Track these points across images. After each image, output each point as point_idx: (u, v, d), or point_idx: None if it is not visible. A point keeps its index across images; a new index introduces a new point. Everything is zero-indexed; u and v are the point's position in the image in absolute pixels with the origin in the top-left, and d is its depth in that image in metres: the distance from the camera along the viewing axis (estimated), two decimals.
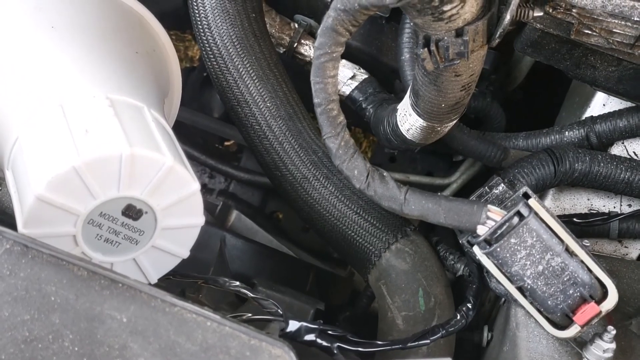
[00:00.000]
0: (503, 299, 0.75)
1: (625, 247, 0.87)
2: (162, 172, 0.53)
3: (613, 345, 0.61)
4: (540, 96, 1.10)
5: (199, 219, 0.57)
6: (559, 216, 0.81)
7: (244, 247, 0.90)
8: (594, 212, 0.85)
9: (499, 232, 0.56)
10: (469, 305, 0.67)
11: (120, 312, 0.45)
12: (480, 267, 0.70)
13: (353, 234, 0.77)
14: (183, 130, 1.21)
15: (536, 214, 0.56)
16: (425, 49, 0.59)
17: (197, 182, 0.56)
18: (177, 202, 0.55)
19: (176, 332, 0.45)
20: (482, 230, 0.57)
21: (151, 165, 0.52)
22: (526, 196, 0.59)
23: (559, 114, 1.02)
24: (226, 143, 1.32)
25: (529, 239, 0.55)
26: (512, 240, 0.55)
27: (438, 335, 0.67)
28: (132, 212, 0.53)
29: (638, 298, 0.72)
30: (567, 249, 0.57)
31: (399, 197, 0.60)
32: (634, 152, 0.86)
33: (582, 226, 0.80)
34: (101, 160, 0.51)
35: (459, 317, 0.67)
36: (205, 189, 1.21)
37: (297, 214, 0.82)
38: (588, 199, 0.86)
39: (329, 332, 0.63)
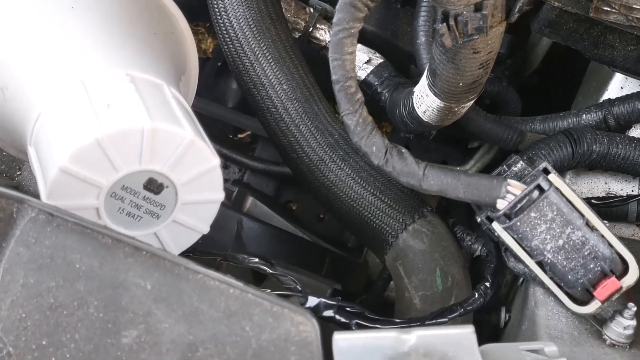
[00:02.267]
0: (521, 281, 0.75)
1: None
2: (182, 146, 0.53)
3: (634, 322, 0.60)
4: (557, 81, 1.10)
5: (219, 194, 0.58)
6: None
7: (261, 230, 0.90)
8: (612, 195, 0.84)
9: (519, 206, 0.56)
10: (487, 284, 0.67)
11: (144, 279, 0.45)
12: (498, 246, 0.70)
13: (370, 215, 0.77)
14: (198, 120, 1.22)
15: (556, 188, 0.56)
16: (444, 24, 0.59)
17: (217, 157, 0.57)
18: (198, 176, 0.55)
19: (199, 299, 0.45)
20: (501, 205, 0.57)
21: (172, 139, 0.53)
22: (546, 171, 0.59)
23: (576, 98, 1.01)
24: (240, 135, 1.33)
25: (549, 213, 0.55)
26: (533, 214, 0.55)
27: (456, 313, 0.67)
28: (153, 186, 0.54)
29: None
30: (588, 224, 0.56)
31: (417, 173, 0.60)
32: None
33: (600, 208, 0.80)
34: (123, 133, 0.51)
35: (477, 296, 0.67)
36: (227, 185, 1.22)
37: (313, 197, 0.82)
38: (605, 183, 0.86)
39: (347, 308, 0.63)
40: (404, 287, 0.75)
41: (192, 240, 0.59)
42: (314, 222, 1.16)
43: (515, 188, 0.57)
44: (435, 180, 0.59)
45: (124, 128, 0.51)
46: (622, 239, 0.82)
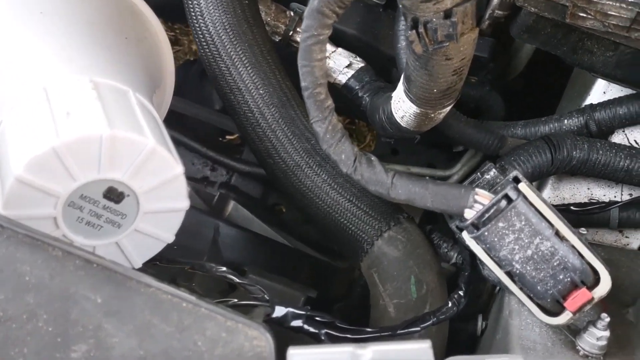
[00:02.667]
0: (498, 288, 0.74)
1: (627, 237, 0.85)
2: (143, 154, 0.52)
3: (607, 333, 0.59)
4: (542, 85, 1.09)
5: (183, 203, 0.57)
6: (558, 205, 0.80)
7: (238, 236, 0.89)
8: (594, 201, 0.83)
9: (487, 215, 0.55)
10: (461, 293, 0.66)
11: (95, 292, 0.44)
12: (473, 254, 0.69)
13: (345, 221, 0.76)
14: (185, 123, 1.21)
15: (525, 197, 0.55)
16: (414, 31, 0.58)
17: (180, 165, 0.56)
18: (160, 185, 0.54)
19: (151, 313, 0.44)
20: (469, 214, 0.56)
21: (132, 147, 0.52)
22: (516, 180, 0.58)
23: (560, 103, 1.00)
24: (228, 137, 1.32)
25: (517, 223, 0.54)
26: (500, 224, 0.54)
27: (429, 322, 0.66)
28: (113, 194, 0.53)
29: (636, 287, 0.70)
30: (557, 234, 0.55)
31: (386, 182, 0.59)
32: (635, 141, 0.84)
33: (580, 214, 0.79)
34: (81, 142, 0.50)
35: (450, 305, 0.66)
36: (207, 182, 1.21)
37: (290, 202, 0.81)
38: (588, 189, 0.85)
39: (317, 318, 0.62)
40: (379, 294, 0.74)
41: (156, 249, 0.58)
42: (302, 225, 1.15)
43: (483, 197, 0.56)
44: (403, 189, 0.58)
45: (81, 136, 0.50)
46: (603, 247, 0.82)
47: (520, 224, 0.54)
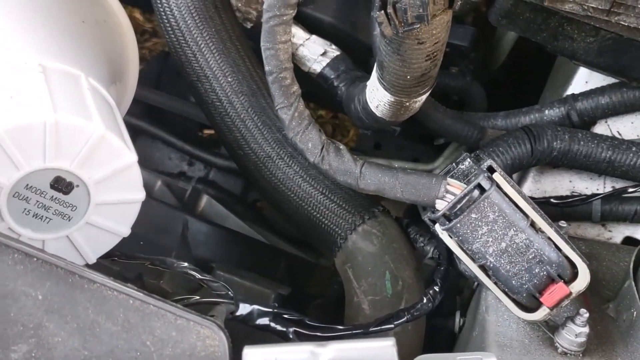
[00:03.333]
0: (476, 284, 0.71)
1: (609, 231, 0.83)
2: (91, 142, 0.49)
3: (586, 330, 0.57)
4: (526, 75, 1.07)
5: (138, 194, 0.53)
6: (539, 199, 0.77)
7: (209, 232, 0.86)
8: (576, 194, 0.81)
9: (459, 206, 0.52)
10: (436, 288, 0.64)
11: (35, 288, 0.41)
12: (449, 249, 0.66)
13: (318, 215, 0.73)
14: (161, 117, 1.18)
15: (499, 187, 0.52)
16: (382, 12, 0.55)
17: (133, 153, 0.52)
18: (112, 175, 0.51)
19: (95, 311, 0.41)
20: (440, 205, 0.53)
21: (79, 134, 0.48)
22: (491, 170, 0.55)
23: (543, 93, 0.98)
24: (206, 132, 1.29)
25: (490, 214, 0.51)
26: (473, 215, 0.51)
27: (403, 319, 0.63)
28: (61, 185, 0.50)
29: (617, 281, 0.68)
30: (533, 225, 0.53)
31: (354, 171, 0.56)
32: (618, 132, 0.82)
33: (561, 207, 0.76)
34: (23, 128, 0.47)
35: (425, 301, 0.64)
36: (184, 177, 1.18)
37: (261, 196, 0.78)
38: (570, 181, 0.82)
39: (285, 316, 0.59)
40: (353, 291, 0.71)
41: (111, 244, 0.55)
42: (282, 222, 1.12)
43: (455, 187, 0.53)
44: (373, 179, 0.56)
45: (23, 122, 0.47)
46: (584, 240, 0.79)
47: (493, 215, 0.51)
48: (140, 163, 0.52)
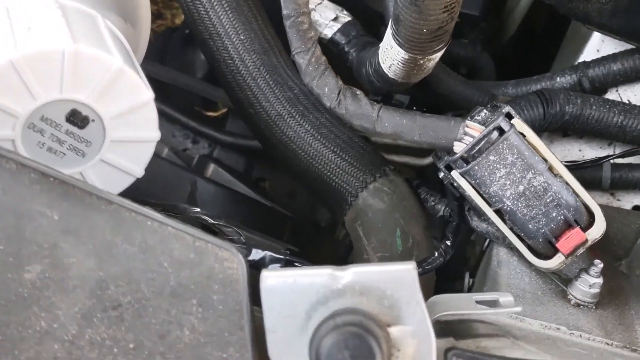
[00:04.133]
0: (486, 244, 0.71)
1: (618, 199, 0.83)
2: (110, 75, 0.48)
3: (600, 280, 0.56)
4: (535, 50, 1.06)
5: (153, 133, 0.53)
6: None
7: (217, 192, 0.85)
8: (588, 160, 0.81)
9: (477, 148, 0.52)
10: (448, 243, 0.63)
11: (51, 208, 0.40)
12: (461, 205, 0.66)
13: (329, 173, 0.73)
14: (166, 93, 1.17)
15: (518, 130, 0.52)
16: None
17: (150, 91, 0.52)
18: (128, 111, 0.51)
19: (112, 232, 0.40)
20: (459, 148, 0.52)
21: (98, 65, 0.48)
22: (509, 116, 0.55)
23: (553, 64, 0.98)
24: (211, 113, 1.28)
25: (509, 156, 0.51)
26: (491, 158, 0.51)
27: None
28: (77, 118, 0.49)
29: (628, 241, 0.68)
30: (551, 169, 0.52)
31: (371, 115, 0.56)
32: (629, 100, 0.82)
33: (572, 170, 0.76)
34: (41, 55, 0.46)
35: (436, 255, 0.63)
36: (189, 151, 1.17)
37: (270, 155, 0.77)
38: (580, 150, 0.82)
39: (296, 263, 0.59)
40: (363, 248, 0.71)
41: (124, 184, 0.54)
42: (286, 201, 1.11)
43: (474, 129, 0.52)
44: (390, 121, 0.55)
45: (42, 49, 0.46)
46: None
47: (512, 157, 0.51)
48: None
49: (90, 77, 0.48)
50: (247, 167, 1.15)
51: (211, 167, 1.01)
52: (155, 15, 1.62)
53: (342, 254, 0.87)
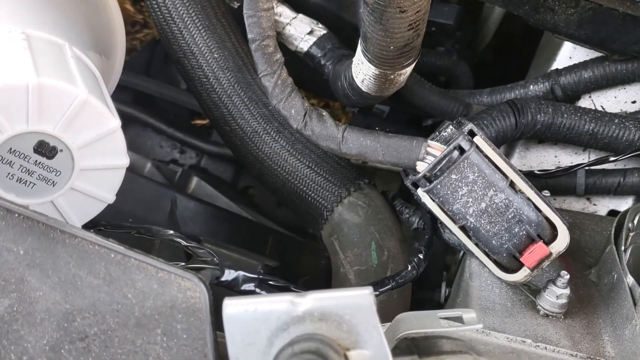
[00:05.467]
0: (461, 255, 0.72)
1: (594, 204, 0.84)
2: (75, 105, 0.49)
3: (567, 291, 0.57)
4: (510, 58, 1.07)
5: (122, 160, 0.54)
6: (524, 172, 0.78)
7: (197, 209, 0.86)
8: (561, 168, 0.82)
9: (439, 167, 0.53)
10: (420, 256, 0.64)
11: (16, 244, 0.41)
12: (433, 217, 0.67)
13: (305, 188, 0.74)
14: (152, 105, 1.18)
15: (478, 148, 0.53)
16: None
17: (117, 118, 0.53)
18: (95, 139, 0.51)
19: (77, 265, 0.41)
20: (421, 167, 0.54)
21: (62, 97, 0.49)
22: (471, 134, 0.56)
23: (528, 72, 0.99)
24: (198, 122, 1.29)
25: (470, 175, 0.52)
26: (453, 176, 0.52)
27: (387, 287, 0.63)
28: (45, 149, 0.50)
29: (599, 249, 0.69)
30: (512, 186, 0.53)
31: (337, 136, 0.57)
32: (601, 106, 0.83)
33: (545, 178, 0.77)
34: (5, 90, 0.47)
35: (409, 268, 0.64)
36: (176, 165, 1.18)
37: (248, 171, 0.78)
38: (555, 156, 0.83)
39: (270, 282, 0.60)
40: (340, 262, 0.72)
41: (96, 210, 0.55)
42: (273, 209, 1.12)
43: (435, 149, 0.53)
44: (355, 143, 0.56)
45: (5, 83, 0.47)
46: (568, 212, 0.80)
47: (473, 175, 0.52)
48: (132, 151, 0.52)
49: (55, 109, 0.49)
50: (235, 176, 1.16)
51: (194, 181, 1.02)
52: (142, 25, 1.62)
53: (323, 264, 0.88)
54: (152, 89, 1.19)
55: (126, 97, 1.17)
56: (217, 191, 1.01)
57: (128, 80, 1.10)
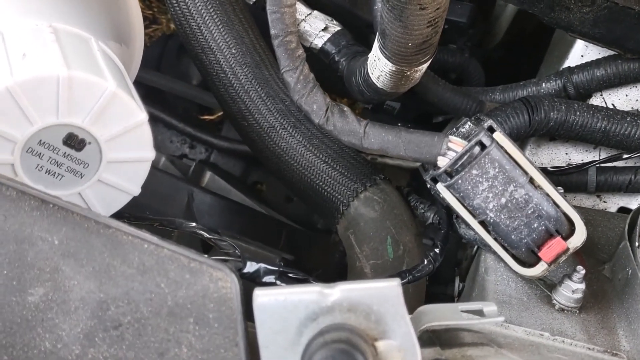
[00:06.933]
0: (475, 250, 0.73)
1: (604, 202, 0.85)
2: (104, 98, 0.50)
3: (582, 286, 0.58)
4: (522, 55, 1.08)
5: (148, 153, 0.55)
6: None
7: (213, 203, 0.87)
8: (572, 165, 0.83)
9: (460, 162, 0.53)
10: (437, 251, 0.65)
11: (51, 233, 0.42)
12: (449, 212, 0.68)
13: (322, 183, 0.75)
14: (162, 100, 1.19)
15: (499, 144, 0.54)
16: None
17: (144, 112, 0.54)
18: (123, 132, 0.52)
19: (111, 255, 0.42)
20: (442, 162, 0.54)
21: (92, 90, 0.50)
22: (491, 130, 0.56)
23: (539, 69, 0.99)
24: (207, 117, 1.30)
25: (491, 170, 0.53)
26: (474, 172, 0.53)
27: (404, 280, 0.64)
28: (74, 141, 0.51)
29: (612, 245, 0.70)
30: (532, 181, 0.54)
31: (358, 131, 0.57)
32: (613, 104, 0.84)
33: (557, 175, 0.78)
34: (36, 82, 0.48)
35: (426, 262, 0.65)
36: (186, 159, 1.19)
37: (264, 166, 0.79)
38: (566, 153, 0.84)
39: (290, 275, 0.61)
40: (356, 256, 0.73)
41: (122, 202, 0.56)
42: (283, 204, 1.13)
43: (456, 144, 0.54)
44: (376, 138, 0.57)
45: (36, 75, 0.48)
46: (580, 208, 0.81)
47: (493, 171, 0.53)
48: None
49: (85, 102, 0.50)
50: (244, 171, 1.17)
51: (207, 175, 1.02)
52: (151, 20, 1.63)
53: (337, 258, 0.89)
54: (164, 84, 1.20)
55: (137, 92, 1.17)
56: (229, 185, 1.02)
57: (139, 75, 1.11)
